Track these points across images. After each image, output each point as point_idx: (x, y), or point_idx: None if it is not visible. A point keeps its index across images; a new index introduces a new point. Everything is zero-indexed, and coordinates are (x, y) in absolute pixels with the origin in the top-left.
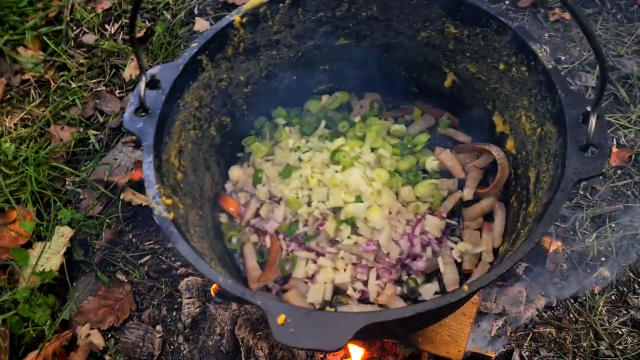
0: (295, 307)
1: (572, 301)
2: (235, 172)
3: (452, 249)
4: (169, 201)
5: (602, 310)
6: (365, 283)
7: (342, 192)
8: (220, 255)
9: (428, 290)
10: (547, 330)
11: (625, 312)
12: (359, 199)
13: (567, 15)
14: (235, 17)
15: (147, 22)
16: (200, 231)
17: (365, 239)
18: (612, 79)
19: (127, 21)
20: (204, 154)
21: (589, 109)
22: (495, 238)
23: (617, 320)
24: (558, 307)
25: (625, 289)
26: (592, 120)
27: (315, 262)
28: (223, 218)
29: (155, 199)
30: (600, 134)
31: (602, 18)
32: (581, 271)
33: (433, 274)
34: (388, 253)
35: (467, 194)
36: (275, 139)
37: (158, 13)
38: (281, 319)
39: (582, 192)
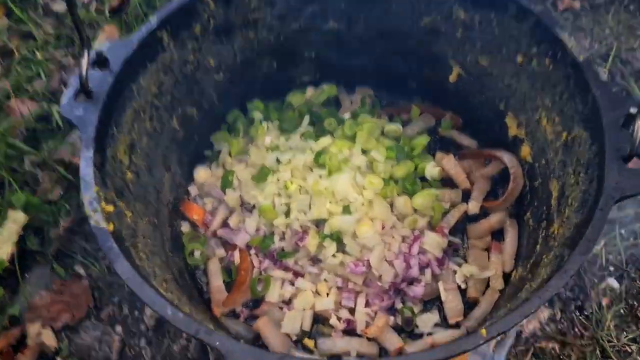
0: (263, 353)
1: (578, 314)
2: (201, 173)
3: (455, 272)
4: (110, 208)
5: (609, 325)
6: (352, 311)
7: (327, 202)
8: (178, 273)
9: (426, 322)
10: (550, 345)
11: (635, 327)
12: (346, 210)
13: (577, 4)
14: None
15: None
16: (153, 244)
17: (353, 258)
18: (625, 73)
19: None
20: (163, 150)
21: (633, 110)
22: (506, 261)
23: (626, 336)
24: (562, 320)
25: (635, 302)
26: (639, 124)
27: (292, 283)
28: (185, 227)
29: (92, 205)
30: None
31: (614, 9)
32: (588, 281)
33: (432, 302)
34: (380, 276)
35: (473, 207)
36: (250, 136)
37: None
38: None
39: None
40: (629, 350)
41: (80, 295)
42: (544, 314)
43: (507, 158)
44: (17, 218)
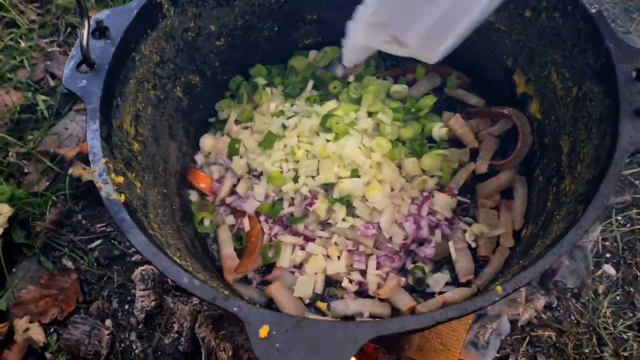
0: (281, 316)
1: (574, 301)
2: (207, 141)
3: (465, 231)
4: (120, 179)
5: (606, 312)
6: (364, 273)
7: (335, 166)
8: (189, 242)
9: (438, 281)
10: (547, 333)
11: (631, 314)
12: (355, 174)
13: None
14: None
15: None
16: (163, 214)
17: (363, 221)
18: None
19: None
20: (168, 119)
21: None
22: (515, 219)
23: (623, 323)
24: (559, 308)
25: (632, 289)
26: None
27: (303, 248)
28: (193, 196)
29: (102, 177)
30: None
31: None
32: (584, 268)
33: (443, 262)
34: (390, 237)
35: (481, 166)
36: (255, 102)
37: None
38: (264, 331)
39: None
40: (625, 337)
41: (68, 289)
42: (540, 301)
43: (515, 115)
44: (2, 211)
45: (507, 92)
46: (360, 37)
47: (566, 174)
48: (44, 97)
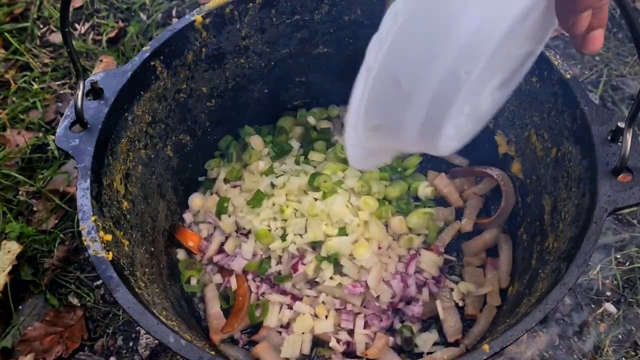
0: None
1: (576, 339)
2: (196, 200)
3: (452, 290)
4: (108, 237)
5: (608, 351)
6: (351, 333)
7: (322, 224)
8: (176, 301)
9: (426, 341)
10: None
11: (633, 353)
12: (342, 232)
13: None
14: (196, 17)
15: (120, 22)
16: (150, 273)
17: (350, 279)
18: (616, 99)
19: (99, 21)
20: (157, 178)
21: (621, 124)
22: (502, 277)
23: None
24: (561, 347)
25: (633, 328)
26: (627, 138)
27: (290, 307)
28: (180, 255)
29: (91, 235)
30: (636, 154)
31: (610, 38)
32: (585, 306)
33: (431, 321)
34: (378, 296)
35: (467, 224)
36: (244, 161)
37: (132, 13)
38: None
39: None
40: None
41: (74, 326)
42: (542, 339)
43: (497, 175)
44: (11, 248)
45: (490, 152)
46: (364, 140)
47: (549, 232)
48: (54, 138)
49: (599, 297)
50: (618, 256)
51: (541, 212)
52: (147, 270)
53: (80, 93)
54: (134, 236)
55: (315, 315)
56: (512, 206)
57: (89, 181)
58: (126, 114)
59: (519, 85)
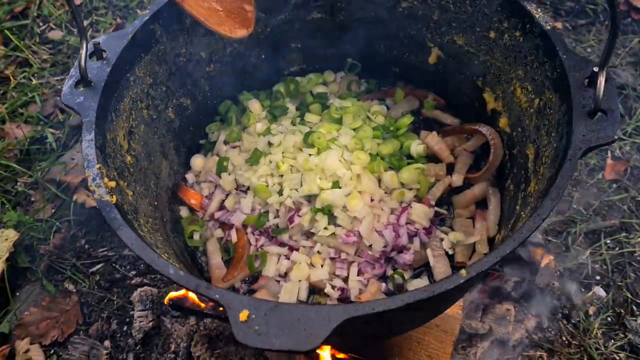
0: (259, 301)
1: (565, 322)
2: (197, 161)
3: (442, 239)
4: (112, 184)
5: (597, 333)
6: (346, 280)
7: (317, 178)
8: (179, 251)
9: (417, 286)
10: (538, 353)
11: (622, 335)
12: (336, 185)
13: (559, 25)
14: None
15: (118, 19)
16: (154, 222)
17: (344, 229)
18: None
19: (97, 18)
20: (160, 138)
21: (595, 69)
22: (490, 227)
23: (614, 344)
24: (549, 329)
25: (622, 311)
26: (601, 81)
27: (288, 257)
28: (183, 212)
29: (96, 181)
30: (610, 97)
31: (595, 29)
32: (574, 290)
33: (422, 269)
34: (370, 245)
35: (457, 179)
36: (242, 124)
37: (130, 10)
38: (244, 315)
39: (575, 206)
40: (617, 358)
41: (69, 311)
42: (531, 322)
43: (486, 131)
44: (8, 236)
45: (479, 110)
46: None
47: (532, 178)
48: (52, 130)
49: (588, 281)
50: (608, 241)
51: (525, 161)
52: (150, 220)
53: (83, 53)
54: (137, 189)
55: (311, 265)
56: (500, 160)
57: (93, 133)
58: (128, 75)
59: (504, 42)
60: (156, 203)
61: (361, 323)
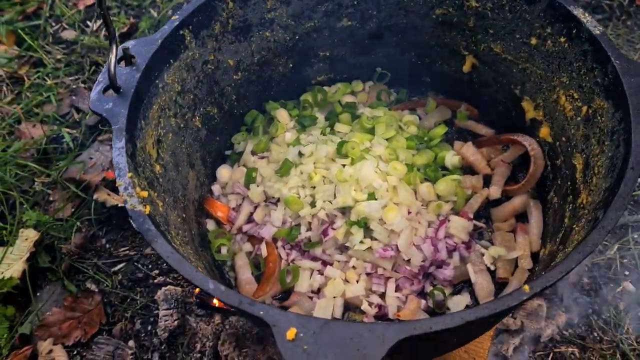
0: (308, 318)
1: (596, 318)
2: (223, 171)
3: (482, 254)
4: (144, 193)
5: (628, 329)
6: (383, 296)
7: (352, 189)
8: (208, 267)
9: (458, 304)
10: (570, 349)
11: None
12: (372, 197)
13: None
14: None
15: (131, 19)
16: (183, 235)
17: (381, 243)
18: None
19: (111, 18)
20: (187, 147)
21: None
22: (532, 241)
23: None
24: (580, 325)
25: None
26: None
27: (321, 273)
28: (210, 225)
29: (128, 190)
30: None
31: (612, 24)
32: (604, 285)
33: (461, 284)
34: (409, 260)
35: (495, 191)
36: (270, 134)
37: (143, 10)
38: (291, 333)
39: None
40: None
41: (92, 311)
42: (562, 318)
43: (526, 141)
44: (28, 236)
45: (516, 119)
46: None
47: (582, 189)
48: (69, 130)
49: (617, 276)
50: (635, 236)
51: (573, 172)
52: (180, 232)
53: (113, 58)
54: (166, 200)
55: (346, 280)
56: (541, 171)
57: (123, 141)
58: (157, 81)
59: (546, 48)
60: (184, 215)
61: (415, 343)
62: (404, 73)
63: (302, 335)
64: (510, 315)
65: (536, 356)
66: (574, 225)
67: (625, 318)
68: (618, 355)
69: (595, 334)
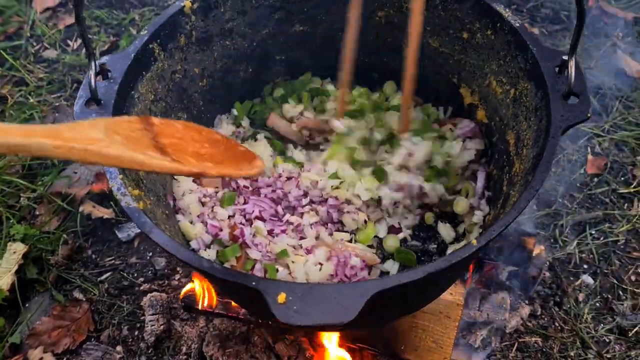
0: (295, 284)
1: (557, 309)
2: None
3: None
4: (136, 192)
5: (587, 318)
6: None
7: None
8: None
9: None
10: (533, 339)
11: (611, 319)
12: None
13: (536, 30)
14: (185, 2)
15: (111, 37)
16: (170, 230)
17: None
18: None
19: (91, 37)
20: None
21: (565, 57)
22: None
23: (604, 327)
24: (543, 316)
25: (609, 296)
26: (571, 65)
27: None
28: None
29: (121, 191)
30: (579, 81)
31: (570, 34)
32: (564, 279)
33: None
34: None
35: None
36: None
37: (123, 28)
38: (282, 297)
39: (560, 200)
40: (607, 340)
41: (80, 319)
42: (525, 310)
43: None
44: (16, 249)
45: (456, 104)
46: None
47: (515, 160)
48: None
49: (576, 270)
50: (593, 232)
51: (506, 146)
52: (166, 227)
53: (93, 73)
54: (151, 198)
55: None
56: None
57: None
58: (132, 92)
59: (476, 41)
60: (167, 212)
61: (389, 297)
62: (355, 71)
63: (291, 298)
64: (477, 308)
65: (502, 346)
66: (511, 191)
67: (584, 308)
68: (578, 343)
69: (557, 324)
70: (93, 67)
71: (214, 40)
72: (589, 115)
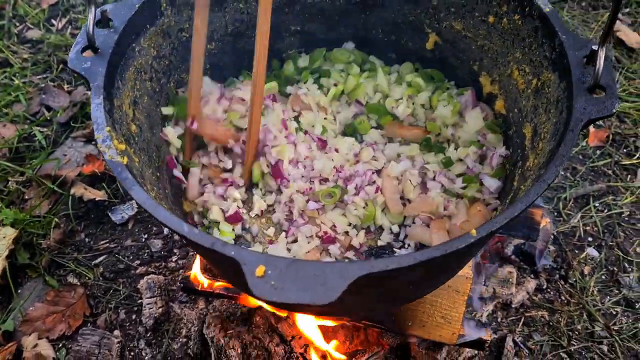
0: (276, 257)
1: (563, 283)
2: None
3: None
4: (121, 146)
5: (593, 291)
6: None
7: None
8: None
9: None
10: (540, 313)
11: (617, 291)
12: None
13: None
14: None
15: None
16: (158, 192)
17: None
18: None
19: (75, 15)
20: (161, 112)
21: (594, 47)
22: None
23: (610, 300)
24: (549, 290)
25: (615, 269)
26: (601, 56)
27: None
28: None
29: (106, 143)
30: (607, 74)
31: (568, 6)
32: (569, 252)
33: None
34: None
35: None
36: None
37: None
38: (260, 270)
39: (562, 173)
40: (614, 313)
41: (75, 304)
42: (531, 284)
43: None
44: (6, 234)
45: (476, 93)
46: None
47: (530, 155)
48: (40, 128)
49: (581, 243)
50: (597, 204)
51: (522, 140)
52: (155, 188)
53: (91, 19)
54: (142, 157)
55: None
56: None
57: (101, 97)
58: (133, 44)
59: (502, 26)
60: (158, 174)
61: (376, 281)
62: (371, 49)
63: (270, 272)
64: (482, 283)
65: (509, 321)
66: (521, 186)
67: (590, 281)
68: (585, 316)
69: (563, 298)
70: (93, 13)
71: (227, 1)
72: (614, 110)
